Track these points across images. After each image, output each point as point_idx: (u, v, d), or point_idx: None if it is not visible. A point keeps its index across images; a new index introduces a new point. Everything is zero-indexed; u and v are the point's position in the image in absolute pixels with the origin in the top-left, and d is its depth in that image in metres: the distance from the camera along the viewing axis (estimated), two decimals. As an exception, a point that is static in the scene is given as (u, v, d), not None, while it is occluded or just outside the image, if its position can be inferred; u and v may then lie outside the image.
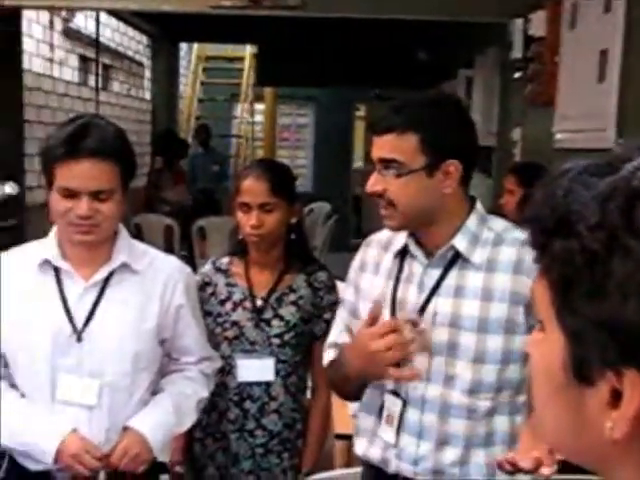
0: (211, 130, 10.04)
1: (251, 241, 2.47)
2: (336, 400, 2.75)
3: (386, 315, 1.90)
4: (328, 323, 2.52)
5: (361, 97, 12.75)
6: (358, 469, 2.19)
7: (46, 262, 2.10)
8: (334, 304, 2.54)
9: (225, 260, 2.58)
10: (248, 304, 2.50)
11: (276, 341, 2.48)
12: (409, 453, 1.87)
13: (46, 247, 2.13)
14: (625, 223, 0.61)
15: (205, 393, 2.28)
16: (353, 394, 2.05)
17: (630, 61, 3.85)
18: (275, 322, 2.48)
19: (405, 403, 1.87)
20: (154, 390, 2.20)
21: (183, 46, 11.68)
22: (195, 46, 12.19)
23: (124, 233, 2.18)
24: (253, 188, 2.42)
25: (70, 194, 2.00)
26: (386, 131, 1.82)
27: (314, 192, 12.00)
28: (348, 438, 2.91)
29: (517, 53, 5.47)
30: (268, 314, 2.49)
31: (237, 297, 2.51)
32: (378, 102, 12.39)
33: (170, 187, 8.45)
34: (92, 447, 2.03)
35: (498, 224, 1.90)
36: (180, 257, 7.66)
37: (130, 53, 10.35)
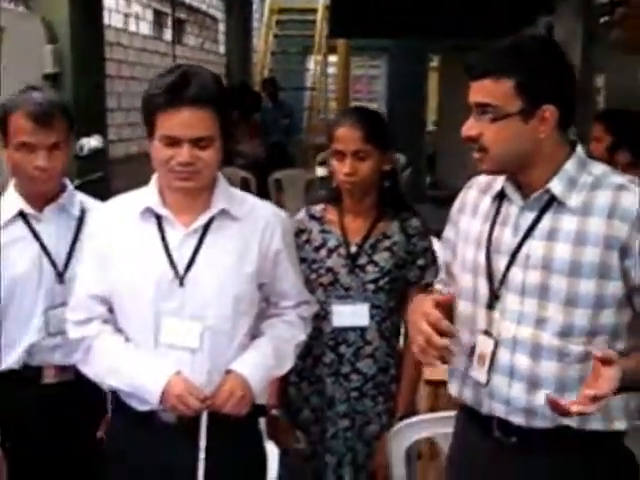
0: (278, 83, 10.01)
1: (345, 188, 2.49)
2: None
3: (482, 256, 1.92)
4: (422, 269, 2.55)
5: (434, 47, 12.58)
6: (451, 413, 2.22)
7: (148, 210, 2.16)
8: (427, 250, 2.56)
9: (319, 207, 2.61)
10: (342, 251, 2.53)
11: (371, 287, 2.51)
12: (501, 393, 1.89)
13: (147, 195, 2.18)
14: None
15: (303, 336, 2.34)
16: None
17: None
18: (369, 268, 2.51)
19: (497, 343, 1.88)
20: (254, 334, 2.26)
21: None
22: (267, -1, 12.17)
23: (222, 181, 2.22)
24: (347, 136, 2.44)
25: (172, 142, 2.04)
26: (482, 75, 1.81)
27: (387, 144, 11.90)
28: (435, 384, 2.95)
29: (603, -3, 5.34)
30: (362, 260, 2.52)
31: (332, 244, 2.55)
32: (454, 52, 12.22)
33: (246, 140, 8.52)
34: (195, 389, 2.09)
35: (598, 168, 1.88)
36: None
37: (204, 7, 10.38)
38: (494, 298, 1.90)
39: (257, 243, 2.19)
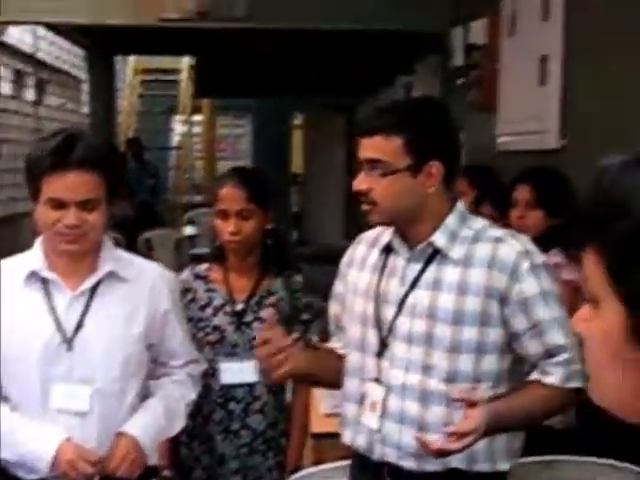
0: (143, 142, 9.99)
1: (230, 247, 2.55)
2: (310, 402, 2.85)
3: (370, 307, 2.02)
4: (306, 324, 2.63)
5: (298, 106, 12.86)
6: (343, 463, 2.28)
7: (33, 274, 2.15)
8: (311, 305, 2.64)
9: (203, 267, 2.66)
10: (228, 308, 2.58)
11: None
12: (393, 439, 1.96)
13: (32, 259, 2.17)
14: None
15: (193, 395, 2.36)
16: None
17: (570, 65, 4.04)
18: (256, 324, 2.56)
19: (387, 390, 1.97)
20: (144, 395, 2.26)
21: (119, 59, 11.63)
22: (131, 59, 12.15)
23: (109, 243, 2.24)
24: (231, 196, 2.50)
25: (58, 205, 2.06)
26: (373, 132, 1.92)
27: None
28: (319, 437, 3.00)
29: (458, 61, 5.64)
30: (249, 317, 2.57)
31: (217, 302, 2.59)
32: (318, 110, 12.50)
33: (114, 202, 8.42)
34: (87, 452, 2.07)
35: (478, 223, 2.01)
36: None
37: (66, 67, 10.28)
38: (383, 347, 1.99)
39: (145, 304, 2.22)
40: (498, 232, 1.98)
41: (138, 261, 2.31)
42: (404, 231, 2.01)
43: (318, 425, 2.91)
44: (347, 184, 13.16)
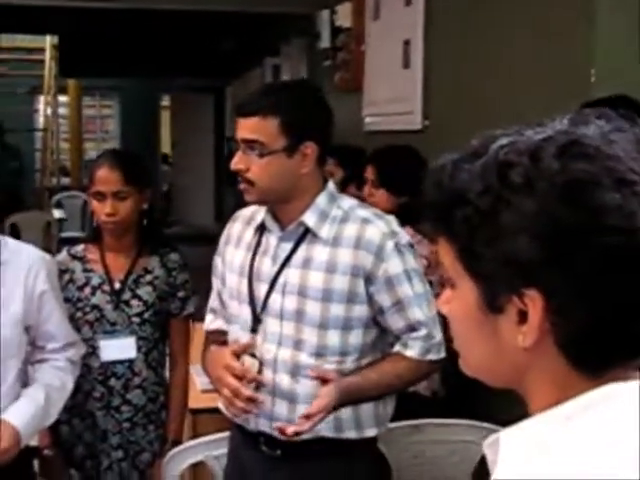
0: (2, 124, 9.71)
1: (106, 228, 2.59)
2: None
3: (244, 284, 2.10)
4: (183, 300, 2.70)
5: (166, 87, 12.76)
6: (222, 435, 2.38)
7: None
8: (187, 282, 2.72)
9: (80, 248, 2.68)
10: (106, 287, 2.62)
11: (136, 320, 2.62)
12: (266, 410, 2.05)
13: None
14: (501, 185, 0.84)
15: (71, 384, 2.38)
16: None
17: (431, 49, 4.23)
18: (134, 302, 2.62)
19: (261, 364, 2.06)
20: (23, 378, 2.27)
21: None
22: (-9, 37, 11.74)
23: None
24: (107, 177, 2.54)
25: None
26: (251, 114, 1.98)
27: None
28: (194, 412, 3.07)
29: (325, 43, 5.78)
30: (126, 295, 2.62)
31: (95, 282, 2.63)
32: (185, 92, 12.44)
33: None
34: None
35: (347, 202, 2.09)
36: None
37: None
38: (256, 322, 2.08)
39: (22, 286, 2.23)
40: (366, 213, 2.06)
41: (13, 243, 2.31)
42: (277, 210, 2.09)
43: (195, 401, 2.98)
44: (216, 165, 13.21)
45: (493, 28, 3.54)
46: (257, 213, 2.15)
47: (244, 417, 2.09)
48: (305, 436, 1.98)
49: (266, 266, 2.08)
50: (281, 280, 2.05)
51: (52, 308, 2.32)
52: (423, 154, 3.40)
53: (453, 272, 0.92)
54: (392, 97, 4.72)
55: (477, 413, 2.68)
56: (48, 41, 11.41)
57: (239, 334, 2.13)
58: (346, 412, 2.06)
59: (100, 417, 2.63)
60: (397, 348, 2.09)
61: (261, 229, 2.13)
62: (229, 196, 12.21)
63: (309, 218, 2.04)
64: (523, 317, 0.85)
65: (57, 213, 9.53)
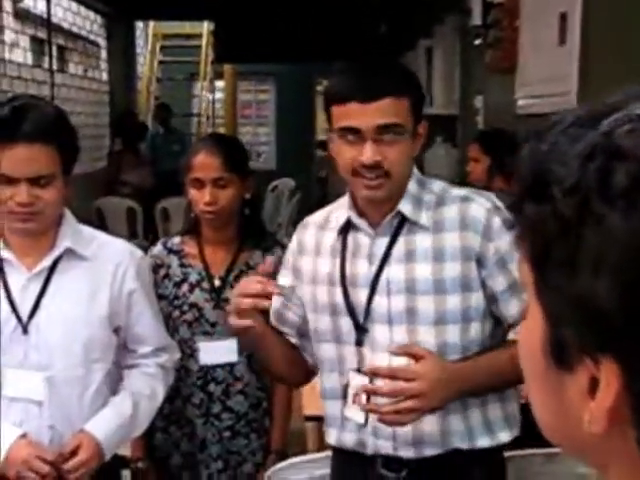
0: (171, 109, 9.87)
1: (205, 218, 2.38)
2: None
3: (338, 294, 1.84)
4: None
5: (322, 71, 12.63)
6: (329, 452, 2.12)
7: None
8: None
9: (176, 240, 2.48)
10: (206, 284, 2.41)
11: (238, 320, 2.40)
12: (385, 430, 1.79)
13: None
14: (600, 187, 0.53)
15: (162, 392, 2.18)
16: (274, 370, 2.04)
17: (590, 23, 3.80)
18: None
19: (371, 379, 1.78)
20: (112, 384, 2.11)
21: (139, 25, 11.46)
22: (151, 24, 11.97)
23: (69, 218, 2.07)
24: (206, 163, 2.32)
25: (8, 181, 1.90)
26: (381, 95, 1.71)
27: (278, 169, 11.89)
28: (318, 420, 2.79)
29: (476, 20, 5.41)
30: (228, 293, 2.40)
31: (193, 278, 2.42)
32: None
33: (131, 169, 8.31)
34: (42, 451, 1.94)
35: (436, 185, 1.86)
36: (144, 242, 7.58)
37: (84, 33, 10.12)
38: (361, 333, 1.81)
39: (109, 284, 2.05)
40: (462, 191, 1.85)
41: (103, 238, 2.14)
42: (369, 204, 1.83)
43: (314, 407, 2.67)
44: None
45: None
46: (331, 215, 1.92)
47: (357, 440, 1.85)
48: (433, 451, 1.77)
49: (362, 268, 1.83)
50: (383, 280, 1.80)
51: (142, 309, 2.13)
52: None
53: (527, 289, 0.63)
54: (546, 77, 4.30)
55: None
56: (205, 27, 11.52)
57: (340, 351, 1.86)
58: (475, 416, 1.81)
59: (199, 425, 2.43)
60: (511, 336, 1.81)
61: (344, 230, 1.86)
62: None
63: (405, 206, 1.80)
64: (596, 387, 0.55)
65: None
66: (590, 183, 0.54)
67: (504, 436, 1.86)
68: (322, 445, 2.83)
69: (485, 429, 1.83)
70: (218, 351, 2.40)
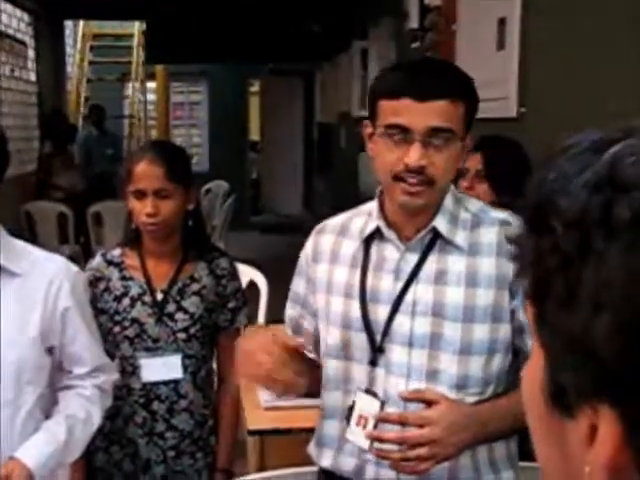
0: (105, 110, 9.68)
1: (147, 230, 2.28)
2: (247, 394, 2.60)
3: (355, 307, 1.72)
4: (233, 312, 2.39)
5: (254, 72, 12.55)
6: (299, 469, 2.05)
7: None
8: (238, 291, 2.40)
9: (117, 252, 2.38)
10: (148, 298, 2.32)
11: (182, 336, 2.31)
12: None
13: None
14: (602, 221, 0.50)
15: (99, 415, 2.06)
16: None
17: (529, 28, 3.80)
18: (179, 315, 2.31)
19: (383, 404, 1.67)
20: (46, 406, 2.00)
21: (68, 24, 11.21)
22: (81, 24, 11.72)
23: (1, 233, 1.96)
24: (147, 173, 2.23)
25: None
26: (438, 96, 1.58)
27: (211, 171, 11.76)
28: (260, 434, 2.71)
29: (413, 23, 5.40)
30: (171, 307, 2.32)
31: (135, 291, 2.32)
32: (274, 76, 12.22)
33: (62, 172, 8.11)
34: None
35: (472, 204, 1.74)
36: (76, 247, 7.38)
37: (11, 32, 9.84)
38: (377, 352, 1.69)
39: (41, 301, 1.94)
40: (500, 214, 1.71)
41: (37, 254, 2.01)
42: (402, 216, 1.70)
43: (257, 421, 2.59)
44: (305, 152, 12.96)
45: (604, 4, 3.08)
46: (351, 222, 1.79)
47: (356, 466, 1.72)
48: None
49: (386, 283, 1.70)
50: (408, 299, 1.67)
51: (78, 327, 2.01)
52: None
53: (531, 327, 0.58)
54: (484, 81, 4.29)
55: None
56: (136, 27, 11.33)
57: (347, 369, 1.74)
58: (481, 452, 1.69)
59: (142, 445, 2.33)
60: None
61: (367, 240, 1.75)
62: (318, 184, 11.95)
63: (440, 223, 1.67)
64: (595, 436, 0.51)
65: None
66: (592, 215, 0.50)
67: (507, 475, 1.75)
68: (263, 462, 2.76)
69: (490, 468, 1.73)
70: (161, 368, 2.30)
